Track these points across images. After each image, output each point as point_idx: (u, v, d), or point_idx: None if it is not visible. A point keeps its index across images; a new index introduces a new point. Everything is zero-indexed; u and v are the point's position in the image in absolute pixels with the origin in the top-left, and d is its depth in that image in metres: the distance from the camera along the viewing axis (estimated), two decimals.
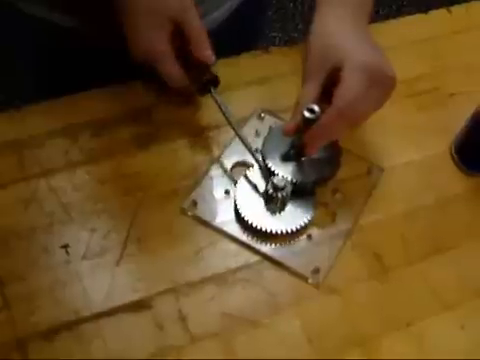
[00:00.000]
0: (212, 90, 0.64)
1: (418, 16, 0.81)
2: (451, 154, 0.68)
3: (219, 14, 0.78)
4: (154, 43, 0.62)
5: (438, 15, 0.82)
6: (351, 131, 0.62)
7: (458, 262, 0.61)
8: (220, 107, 0.63)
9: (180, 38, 0.62)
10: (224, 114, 0.63)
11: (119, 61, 0.69)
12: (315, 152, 0.59)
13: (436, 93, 0.73)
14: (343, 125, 0.57)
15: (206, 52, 0.62)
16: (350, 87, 0.55)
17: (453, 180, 0.67)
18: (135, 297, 0.57)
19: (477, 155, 0.66)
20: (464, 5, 0.83)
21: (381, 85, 0.57)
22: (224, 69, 0.67)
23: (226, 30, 0.78)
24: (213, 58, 0.63)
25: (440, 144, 0.69)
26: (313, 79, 0.59)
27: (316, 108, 0.56)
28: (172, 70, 0.63)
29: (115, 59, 0.70)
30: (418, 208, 0.64)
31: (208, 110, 0.69)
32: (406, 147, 0.69)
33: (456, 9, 0.82)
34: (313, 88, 0.59)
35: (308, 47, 0.61)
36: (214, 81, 0.64)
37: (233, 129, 0.63)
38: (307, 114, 0.57)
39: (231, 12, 0.80)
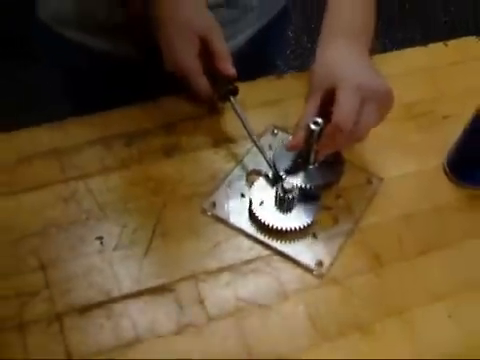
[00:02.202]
0: (232, 99, 0.73)
1: (419, 48, 0.91)
2: (444, 168, 0.76)
3: (237, 41, 0.88)
4: (185, 58, 0.71)
5: (436, 48, 0.91)
6: (355, 145, 0.71)
7: (448, 260, 0.68)
8: (238, 114, 0.72)
9: (206, 55, 0.72)
10: (241, 119, 0.72)
11: (147, 79, 0.79)
12: (321, 159, 0.68)
13: (432, 115, 0.82)
14: (343, 137, 0.65)
15: (227, 65, 0.72)
16: (343, 104, 0.63)
17: (445, 190, 0.74)
18: (159, 282, 0.64)
19: (467, 168, 0.74)
20: (459, 40, 0.92)
21: (375, 101, 0.64)
22: (242, 92, 0.76)
23: (244, 55, 0.88)
24: (233, 70, 0.72)
25: (435, 159, 0.77)
26: (312, 100, 0.68)
27: (320, 120, 0.65)
28: (199, 81, 0.72)
29: (143, 77, 0.81)
30: (413, 213, 0.72)
31: (227, 125, 0.78)
32: (404, 161, 0.77)
33: (452, 43, 0.91)
34: (312, 107, 0.68)
35: (311, 73, 0.71)
36: (234, 91, 0.73)
37: (247, 131, 0.72)
38: (313, 126, 0.65)
39: (250, 38, 0.90)
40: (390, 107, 0.68)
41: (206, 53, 0.72)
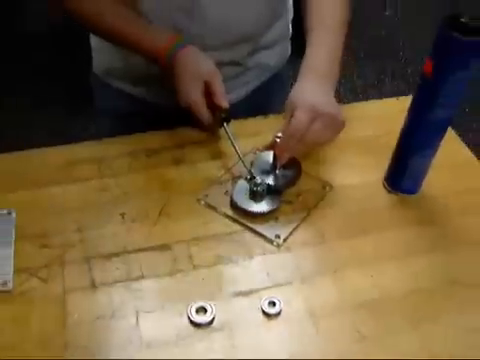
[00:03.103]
0: (225, 124, 1.00)
1: (376, 101, 1.19)
2: (383, 181, 1.01)
3: (236, 95, 1.17)
4: (193, 95, 0.99)
5: (390, 101, 1.18)
6: (316, 163, 0.97)
7: (377, 241, 0.91)
8: (228, 135, 1.00)
9: (208, 94, 1.00)
10: (230, 139, 0.99)
11: (166, 116, 1.08)
12: (283, 161, 0.94)
13: (379, 144, 1.07)
14: (296, 144, 0.91)
15: (223, 100, 0.99)
16: (295, 119, 0.89)
17: (382, 196, 0.98)
18: (161, 242, 0.90)
19: (396, 179, 0.98)
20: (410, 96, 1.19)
21: (324, 120, 0.89)
22: (236, 127, 1.03)
23: (243, 108, 1.16)
24: (227, 104, 1.00)
25: (377, 175, 1.02)
26: (284, 120, 0.95)
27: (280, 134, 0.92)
28: (203, 112, 1.00)
29: (164, 115, 1.10)
30: (355, 209, 0.96)
31: (222, 146, 1.05)
32: (353, 175, 1.02)
33: (403, 98, 1.18)
34: (283, 125, 0.94)
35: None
36: (227, 119, 1.01)
37: (233, 147, 0.99)
38: (277, 139, 0.92)
39: (249, 94, 1.19)
40: (339, 129, 0.93)
41: (208, 93, 1.01)
